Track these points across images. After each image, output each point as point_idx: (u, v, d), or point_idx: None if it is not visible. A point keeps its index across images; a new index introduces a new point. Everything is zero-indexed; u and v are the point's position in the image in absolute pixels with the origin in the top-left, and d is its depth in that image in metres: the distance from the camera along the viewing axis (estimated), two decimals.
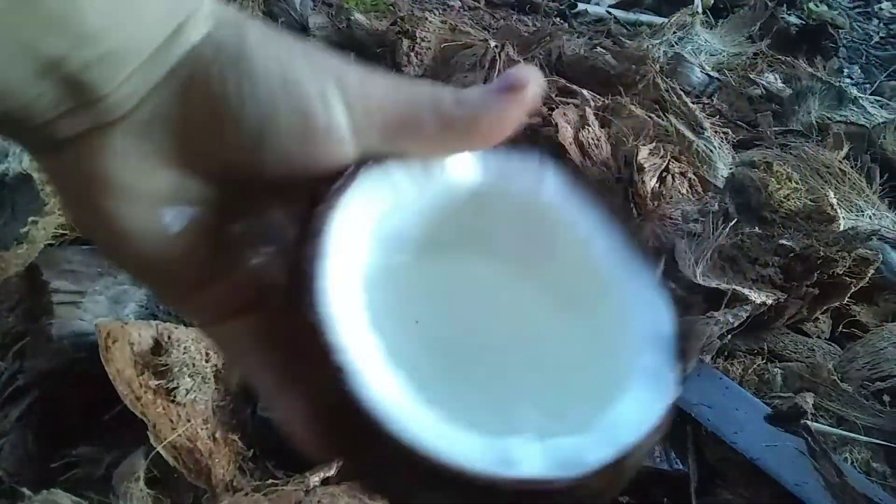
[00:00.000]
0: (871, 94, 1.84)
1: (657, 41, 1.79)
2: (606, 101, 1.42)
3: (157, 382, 0.75)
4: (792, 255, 1.05)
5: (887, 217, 1.32)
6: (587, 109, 1.34)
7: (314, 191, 0.28)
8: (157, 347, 0.78)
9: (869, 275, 1.06)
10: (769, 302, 1.00)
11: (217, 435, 0.76)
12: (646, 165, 1.22)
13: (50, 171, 0.29)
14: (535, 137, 1.29)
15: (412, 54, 1.47)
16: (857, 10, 2.48)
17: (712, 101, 1.69)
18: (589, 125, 1.30)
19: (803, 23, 2.21)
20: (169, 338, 0.79)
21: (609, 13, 2.10)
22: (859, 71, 2.13)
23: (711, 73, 1.75)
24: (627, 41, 1.79)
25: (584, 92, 1.46)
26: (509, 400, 0.33)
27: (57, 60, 0.24)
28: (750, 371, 0.97)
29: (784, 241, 1.07)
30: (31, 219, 0.83)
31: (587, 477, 0.25)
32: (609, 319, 0.32)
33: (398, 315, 0.33)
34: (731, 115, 1.65)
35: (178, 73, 0.27)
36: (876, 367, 0.98)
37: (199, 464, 0.74)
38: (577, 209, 0.33)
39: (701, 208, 1.20)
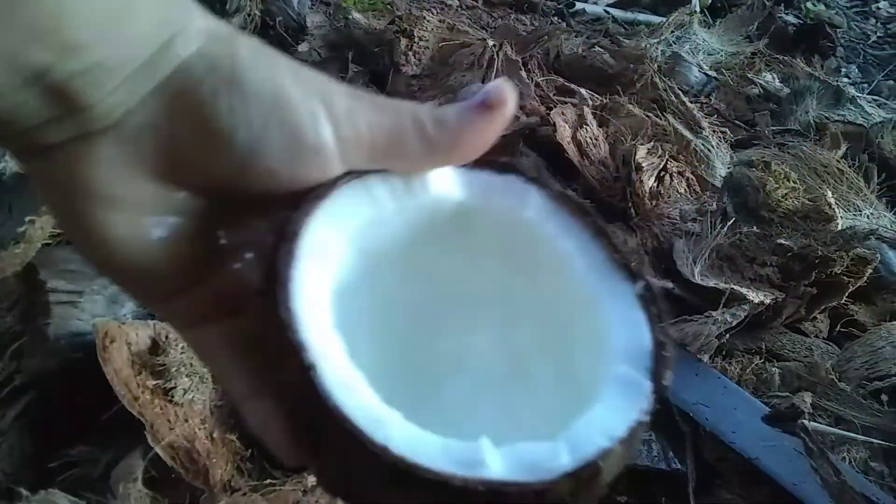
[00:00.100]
0: (868, 94, 1.84)
1: (655, 40, 1.79)
2: (604, 101, 1.42)
3: (154, 382, 0.75)
4: (790, 254, 1.05)
5: (885, 216, 1.32)
6: (585, 109, 1.34)
7: (295, 198, 0.29)
8: (155, 347, 0.78)
9: (867, 274, 1.06)
10: (767, 301, 1.01)
11: (215, 435, 0.76)
12: (644, 165, 1.22)
13: (35, 176, 0.29)
14: (533, 137, 1.29)
15: (410, 53, 1.46)
16: (854, 9, 2.49)
17: (710, 100, 1.69)
18: (587, 124, 1.30)
19: (801, 22, 2.21)
20: (166, 338, 0.79)
21: (607, 12, 2.09)
22: (857, 70, 2.13)
23: (709, 73, 1.75)
24: (625, 40, 1.79)
25: (582, 91, 1.46)
26: (478, 407, 0.34)
27: (42, 70, 0.24)
28: (748, 370, 0.97)
29: (782, 241, 1.07)
30: (28, 218, 0.83)
31: (555, 481, 0.25)
32: (585, 332, 0.32)
33: (370, 319, 0.33)
34: (729, 115, 1.65)
35: (167, 86, 0.27)
36: (874, 367, 0.98)
37: (197, 464, 0.73)
38: (558, 225, 0.33)
39: (699, 207, 1.20)
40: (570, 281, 0.33)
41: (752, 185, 1.17)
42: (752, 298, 0.99)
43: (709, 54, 1.85)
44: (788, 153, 1.39)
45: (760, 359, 1.00)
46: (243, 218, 0.31)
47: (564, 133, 1.25)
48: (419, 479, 0.24)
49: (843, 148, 1.45)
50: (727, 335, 0.98)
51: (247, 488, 0.73)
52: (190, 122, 0.28)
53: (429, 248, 0.34)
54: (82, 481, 0.74)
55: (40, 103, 0.25)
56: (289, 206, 0.29)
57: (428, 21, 1.53)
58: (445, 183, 0.33)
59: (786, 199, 1.17)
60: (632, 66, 1.55)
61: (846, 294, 1.07)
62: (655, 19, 2.04)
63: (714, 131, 1.45)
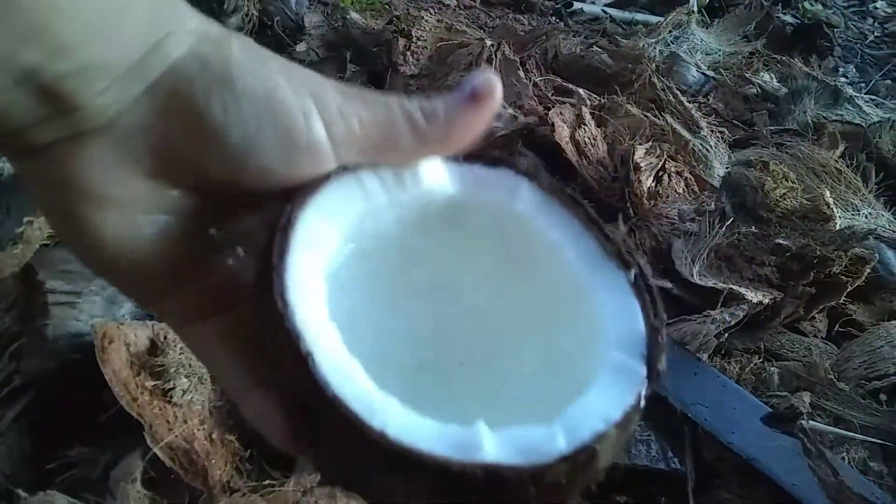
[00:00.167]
0: (866, 93, 1.85)
1: (653, 40, 1.79)
2: (603, 101, 1.42)
3: (153, 383, 0.75)
4: (788, 254, 1.05)
5: (883, 216, 1.32)
6: (583, 108, 1.34)
7: (289, 193, 0.29)
8: (153, 348, 0.78)
9: (865, 274, 1.06)
10: (766, 301, 1.01)
11: (214, 435, 0.76)
12: (642, 164, 1.22)
13: (26, 175, 0.29)
14: (531, 136, 1.29)
15: (408, 53, 1.46)
16: (851, 9, 2.49)
17: (708, 100, 1.69)
18: (585, 124, 1.30)
19: (798, 22, 2.21)
20: (165, 338, 0.78)
21: (605, 12, 2.09)
22: (854, 70, 2.13)
23: (707, 73, 1.75)
24: (623, 40, 1.79)
25: (581, 91, 1.46)
26: (472, 395, 0.34)
27: (32, 70, 0.24)
28: (747, 370, 0.97)
29: (780, 241, 1.07)
30: (26, 219, 0.83)
31: (551, 465, 0.25)
32: (579, 320, 0.32)
33: (363, 310, 0.33)
34: (727, 115, 1.65)
35: (159, 86, 0.27)
36: (872, 367, 0.98)
37: (196, 465, 0.73)
38: (549, 217, 0.33)
39: (697, 207, 1.20)
40: (562, 271, 0.33)
41: (751, 185, 1.17)
42: (750, 298, 0.99)
43: (707, 54, 1.85)
44: (786, 153, 1.40)
45: (759, 358, 1.00)
46: (236, 213, 0.31)
47: (562, 133, 1.25)
48: (417, 463, 0.24)
49: (841, 147, 1.45)
50: (726, 335, 0.98)
51: (246, 489, 0.73)
52: (183, 122, 0.28)
53: (421, 240, 0.34)
54: (81, 482, 0.74)
55: (32, 103, 0.25)
56: (281, 201, 0.29)
57: (426, 21, 1.53)
58: (437, 176, 0.33)
59: (784, 199, 1.17)
60: (630, 65, 1.55)
61: (845, 294, 1.07)
62: (653, 19, 2.04)
63: (712, 131, 1.45)
